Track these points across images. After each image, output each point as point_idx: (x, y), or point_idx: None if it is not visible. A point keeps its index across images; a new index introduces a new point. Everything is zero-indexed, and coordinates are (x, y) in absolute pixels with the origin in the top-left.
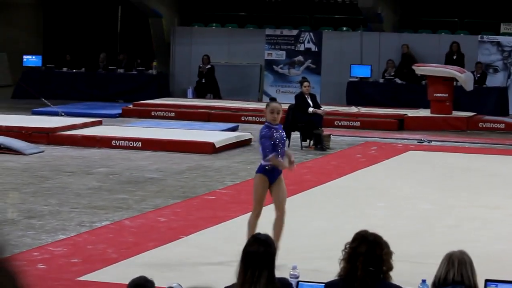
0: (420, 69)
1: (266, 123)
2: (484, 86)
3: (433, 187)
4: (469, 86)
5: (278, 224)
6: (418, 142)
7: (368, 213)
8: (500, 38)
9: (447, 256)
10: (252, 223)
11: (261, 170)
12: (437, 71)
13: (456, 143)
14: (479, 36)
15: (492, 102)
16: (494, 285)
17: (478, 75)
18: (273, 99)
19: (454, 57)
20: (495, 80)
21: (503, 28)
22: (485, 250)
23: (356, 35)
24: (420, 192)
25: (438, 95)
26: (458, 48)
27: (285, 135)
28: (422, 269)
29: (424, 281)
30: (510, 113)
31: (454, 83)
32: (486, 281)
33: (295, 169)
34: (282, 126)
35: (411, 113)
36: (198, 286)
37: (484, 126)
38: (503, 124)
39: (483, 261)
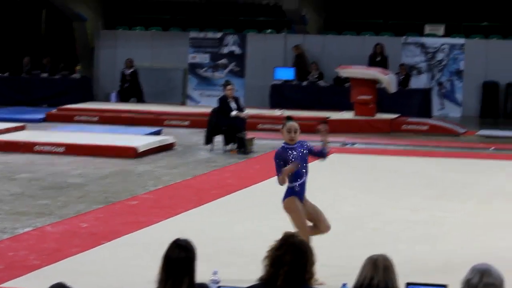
0: (344, 71)
1: (283, 144)
2: (408, 88)
3: (357, 189)
4: (392, 88)
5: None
6: (341, 144)
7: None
8: (424, 40)
9: (371, 260)
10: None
11: (291, 192)
12: (360, 73)
13: (379, 145)
14: (403, 37)
15: (416, 103)
16: None
17: (402, 77)
18: (289, 118)
19: (378, 58)
20: (419, 81)
21: (427, 29)
22: (407, 252)
23: (280, 38)
24: (343, 195)
25: (362, 97)
26: (382, 49)
27: (306, 151)
28: (344, 272)
29: (344, 284)
30: (433, 114)
31: (378, 85)
32: (408, 284)
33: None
34: (302, 143)
35: (334, 115)
36: None
37: (407, 128)
38: (427, 126)
39: (405, 263)
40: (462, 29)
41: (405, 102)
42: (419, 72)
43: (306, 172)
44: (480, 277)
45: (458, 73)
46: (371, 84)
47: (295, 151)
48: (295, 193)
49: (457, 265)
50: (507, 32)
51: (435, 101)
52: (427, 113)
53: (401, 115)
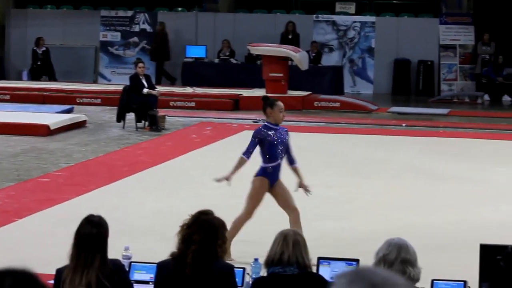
0: (255, 49)
1: (266, 123)
2: (320, 65)
3: None
4: (304, 65)
5: (298, 225)
6: (253, 121)
7: (203, 193)
8: (335, 18)
9: (282, 236)
10: (239, 224)
11: (262, 172)
12: (272, 51)
13: (291, 122)
14: (314, 15)
15: (328, 81)
16: (326, 263)
17: (314, 55)
18: (269, 98)
19: (290, 36)
20: (330, 59)
21: (338, 7)
22: (320, 228)
23: (191, 16)
24: (255, 171)
25: (273, 74)
26: (294, 27)
27: (287, 137)
28: (257, 248)
29: (256, 259)
30: (345, 92)
31: (289, 62)
32: (319, 258)
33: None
34: (285, 129)
35: (246, 93)
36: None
37: (319, 105)
38: (339, 103)
39: (317, 239)
40: (373, 7)
41: (317, 79)
42: (331, 49)
43: (283, 155)
44: (397, 253)
45: (370, 51)
46: (283, 61)
47: (278, 133)
48: (266, 174)
49: (368, 241)
50: (418, 10)
51: (347, 78)
52: (339, 91)
53: (313, 93)
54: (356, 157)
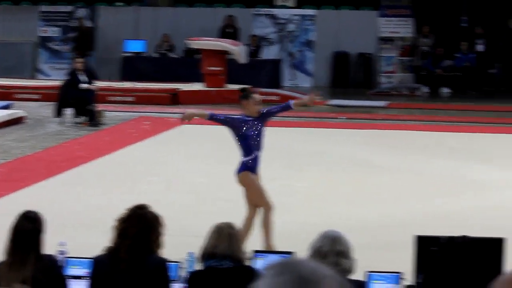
0: (195, 43)
1: (242, 115)
2: (259, 58)
3: (207, 160)
4: (243, 58)
5: (266, 221)
6: None
7: (141, 188)
8: (274, 11)
9: (216, 229)
10: (267, 220)
11: (244, 167)
12: (211, 45)
13: None
14: (254, 9)
15: (267, 74)
16: (262, 256)
17: (253, 48)
18: (246, 90)
19: (229, 30)
20: (269, 52)
21: (278, 0)
22: (257, 221)
23: (131, 10)
24: (194, 166)
25: (212, 68)
26: (233, 21)
27: (262, 123)
28: (194, 242)
29: (191, 253)
30: (284, 85)
31: (228, 56)
32: (255, 252)
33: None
34: (261, 113)
35: (185, 87)
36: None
37: None
38: (278, 96)
39: (255, 232)
40: (313, 0)
41: (256, 73)
42: (270, 43)
43: (260, 147)
44: (331, 245)
45: (309, 44)
46: (222, 55)
47: (252, 125)
48: (247, 167)
49: (306, 233)
50: (358, 3)
51: (286, 71)
52: (278, 84)
53: (252, 86)
54: (294, 150)
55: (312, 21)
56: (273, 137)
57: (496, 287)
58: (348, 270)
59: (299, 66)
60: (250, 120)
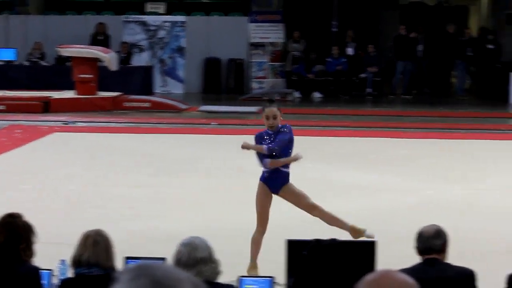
0: (65, 51)
1: (267, 129)
2: (130, 65)
3: (79, 168)
4: (114, 66)
5: (329, 218)
6: (63, 123)
7: (13, 196)
8: (145, 18)
9: (83, 237)
10: (256, 240)
11: (261, 177)
12: (81, 52)
13: (101, 123)
14: (124, 16)
15: (138, 81)
16: (133, 262)
17: (124, 55)
18: (270, 101)
19: (100, 37)
20: (140, 59)
21: (148, 7)
22: (130, 228)
23: (1, 19)
24: (66, 173)
25: (83, 76)
26: (104, 28)
27: (285, 138)
28: (67, 249)
29: (63, 261)
30: (156, 91)
31: (99, 63)
32: (127, 258)
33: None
34: (283, 128)
35: (56, 95)
36: None
37: (129, 105)
38: (149, 103)
39: (128, 239)
40: (183, 7)
41: (127, 79)
42: (141, 49)
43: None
44: (188, 253)
45: (180, 50)
46: (92, 62)
47: (269, 140)
48: (263, 178)
49: (179, 240)
50: (228, 9)
51: (157, 78)
52: (149, 90)
53: (123, 93)
54: (166, 157)
55: (183, 27)
56: (145, 144)
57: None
58: (212, 276)
59: (170, 72)
60: (270, 134)
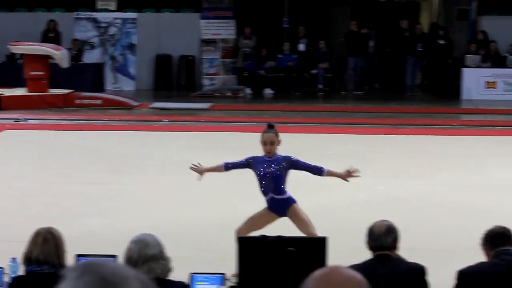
0: (16, 48)
1: (263, 155)
2: (81, 62)
3: (31, 165)
4: (65, 63)
5: None
6: (14, 121)
7: None
8: (96, 15)
9: (34, 234)
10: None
11: (266, 203)
12: (32, 49)
13: (53, 121)
14: (75, 13)
15: (89, 78)
16: (85, 260)
17: (75, 52)
18: (270, 126)
19: (51, 35)
20: (92, 56)
21: (99, 4)
22: (82, 226)
23: None
24: (16, 171)
25: (34, 73)
26: (55, 25)
27: (284, 168)
28: (19, 247)
29: (14, 258)
30: (107, 88)
31: (50, 60)
32: (78, 255)
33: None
34: (284, 159)
35: (7, 92)
36: None
37: (81, 102)
38: (100, 100)
39: (80, 236)
40: (134, 3)
41: (79, 77)
42: (92, 47)
43: (274, 191)
44: (138, 251)
45: (131, 47)
46: (44, 60)
47: (265, 167)
48: (268, 205)
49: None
50: (179, 5)
51: (109, 75)
52: (101, 88)
53: (75, 90)
54: (118, 154)
55: (134, 24)
56: (96, 141)
57: (307, 284)
58: (163, 273)
59: (121, 69)
60: (264, 160)
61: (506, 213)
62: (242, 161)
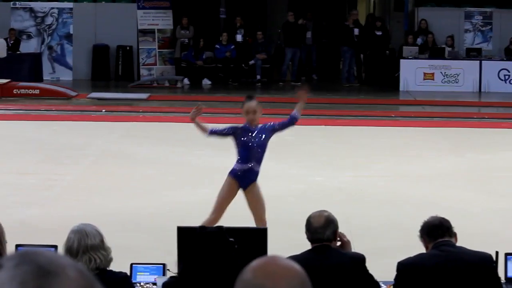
0: None
1: (244, 124)
2: (18, 52)
3: None
4: (2, 53)
5: None
6: None
7: None
8: (33, 4)
9: None
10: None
11: (233, 173)
12: None
13: None
14: (12, 2)
15: (27, 68)
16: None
17: (12, 42)
18: (249, 97)
19: None
20: (29, 46)
21: None
22: (18, 216)
23: None
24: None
25: None
26: None
27: (266, 135)
28: None
29: None
30: (45, 78)
31: None
32: (17, 246)
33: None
34: (264, 126)
35: None
36: None
37: (19, 92)
38: (38, 90)
39: (16, 226)
40: None
41: (16, 67)
42: (29, 36)
43: (258, 160)
44: (78, 241)
45: (68, 37)
46: None
47: (250, 137)
48: (236, 176)
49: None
50: None
51: (46, 65)
52: (38, 77)
53: (12, 80)
54: (55, 144)
55: (70, 14)
56: (34, 131)
57: (244, 274)
58: (104, 264)
59: (59, 59)
60: (248, 129)
61: (442, 205)
62: (227, 129)
